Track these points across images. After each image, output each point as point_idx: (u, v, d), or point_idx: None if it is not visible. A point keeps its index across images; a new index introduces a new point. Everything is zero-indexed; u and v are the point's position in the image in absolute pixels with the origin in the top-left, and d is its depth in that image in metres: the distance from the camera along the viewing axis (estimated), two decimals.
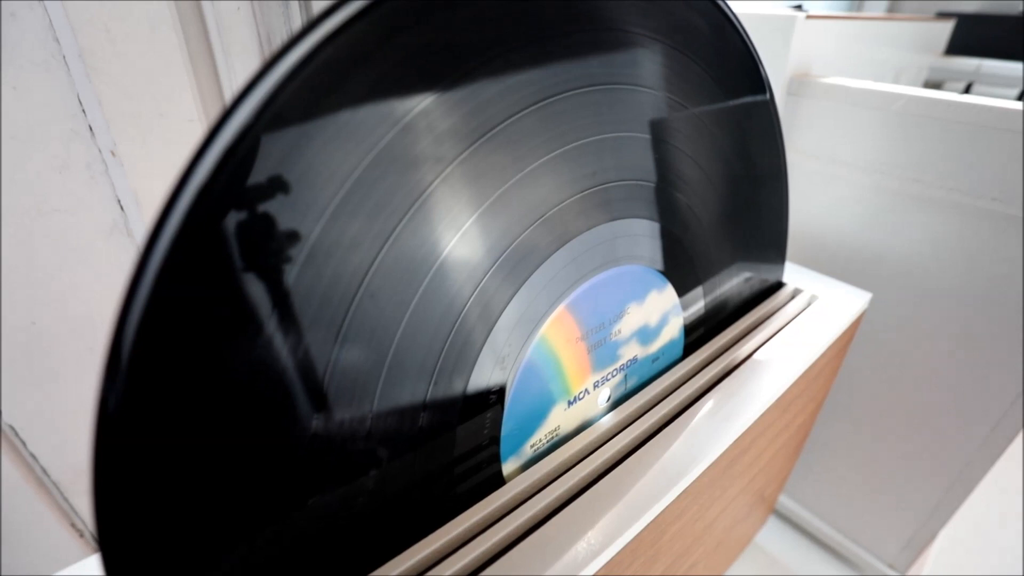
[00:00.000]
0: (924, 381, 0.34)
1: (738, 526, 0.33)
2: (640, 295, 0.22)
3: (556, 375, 0.20)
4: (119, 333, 0.11)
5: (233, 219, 0.12)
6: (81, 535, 0.32)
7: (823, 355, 0.28)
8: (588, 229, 0.19)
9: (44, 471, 0.29)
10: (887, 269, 0.33)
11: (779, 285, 0.31)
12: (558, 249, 0.18)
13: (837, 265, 0.35)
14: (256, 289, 0.13)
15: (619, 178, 0.20)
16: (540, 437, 0.20)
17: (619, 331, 0.22)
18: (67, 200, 0.25)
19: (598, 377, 0.22)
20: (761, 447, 0.27)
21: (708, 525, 0.26)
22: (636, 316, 0.22)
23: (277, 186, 0.13)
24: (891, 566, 0.40)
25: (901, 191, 0.31)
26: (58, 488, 0.30)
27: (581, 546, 0.17)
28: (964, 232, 0.29)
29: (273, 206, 0.13)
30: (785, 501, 0.44)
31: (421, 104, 0.14)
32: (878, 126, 0.31)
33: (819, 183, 0.34)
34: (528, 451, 0.20)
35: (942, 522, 0.36)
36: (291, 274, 0.13)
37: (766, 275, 0.30)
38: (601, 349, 0.21)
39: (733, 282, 0.28)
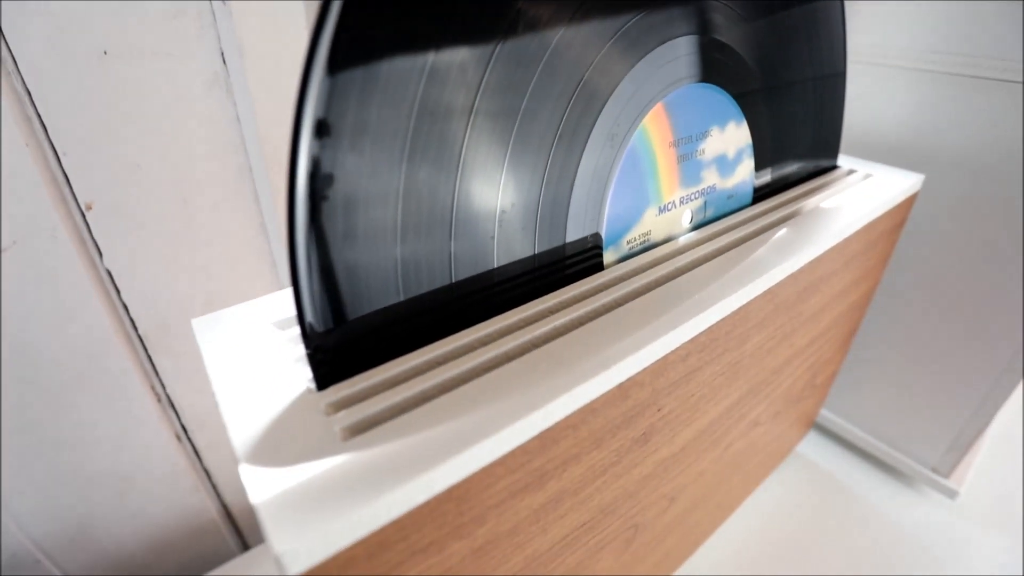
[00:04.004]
0: (973, 269, 0.35)
1: (793, 408, 0.34)
2: (721, 121, 0.24)
3: (651, 174, 0.21)
4: None
5: None
6: (159, 400, 0.33)
7: (880, 220, 0.29)
8: (686, 34, 0.21)
9: (133, 323, 0.31)
10: (941, 157, 0.34)
11: (834, 167, 0.33)
12: (660, 44, 0.20)
13: (889, 157, 0.36)
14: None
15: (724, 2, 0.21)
16: (635, 236, 0.22)
17: (703, 151, 0.23)
18: (177, 46, 0.27)
19: (684, 193, 0.23)
20: (825, 299, 0.28)
21: (777, 370, 0.27)
22: (717, 141, 0.24)
23: None
24: (935, 470, 0.40)
25: (956, 75, 0.32)
26: (143, 344, 0.31)
27: (675, 312, 0.18)
28: (1019, 111, 0.31)
29: None
30: (826, 414, 0.45)
31: None
32: (932, 14, 0.32)
33: (870, 80, 0.36)
34: (624, 247, 0.22)
35: (987, 419, 0.37)
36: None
37: (822, 164, 0.32)
38: (688, 163, 0.23)
39: (794, 166, 0.29)
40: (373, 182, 0.15)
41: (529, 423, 0.14)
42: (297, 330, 0.17)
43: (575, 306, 0.18)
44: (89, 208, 0.27)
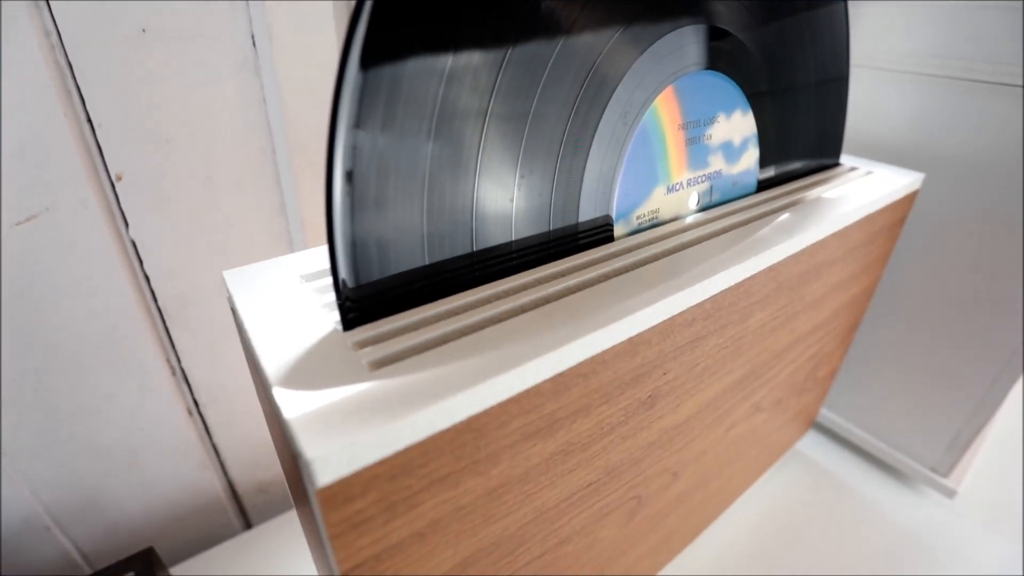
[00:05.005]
0: (972, 270, 0.36)
1: (795, 398, 0.35)
2: (728, 108, 0.25)
3: (661, 154, 0.22)
4: None
5: None
6: (173, 373, 0.34)
7: (881, 214, 0.30)
8: (697, 23, 0.22)
9: (153, 295, 0.32)
10: (942, 159, 0.35)
11: (837, 164, 0.34)
12: (671, 31, 0.21)
13: (890, 160, 0.37)
14: None
15: None
16: (644, 212, 0.23)
17: (710, 136, 0.24)
18: (210, 28, 0.28)
19: (691, 176, 0.24)
20: (826, 287, 0.29)
21: (780, 354, 0.28)
22: (723, 128, 0.25)
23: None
24: (933, 469, 0.41)
25: (957, 79, 0.33)
26: (162, 317, 0.32)
27: (683, 278, 0.19)
28: (1019, 115, 0.32)
29: None
30: (826, 413, 0.46)
31: None
32: (933, 19, 0.33)
33: (871, 84, 0.37)
34: (634, 221, 0.23)
35: (986, 418, 0.38)
36: None
37: (825, 163, 0.33)
38: (695, 147, 0.24)
39: (797, 164, 0.30)
40: (401, 169, 0.16)
41: (544, 363, 0.15)
42: (322, 281, 0.18)
43: (587, 270, 0.19)
44: (119, 179, 0.28)
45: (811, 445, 0.45)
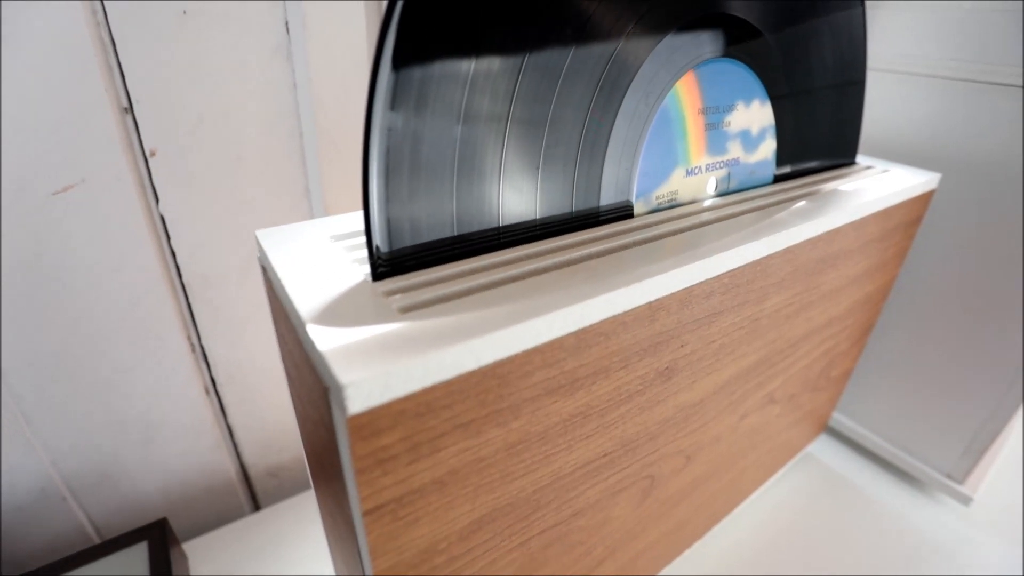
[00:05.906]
0: (987, 274, 0.36)
1: (808, 396, 0.35)
2: (747, 98, 0.25)
3: (681, 137, 0.23)
4: None
5: None
6: (193, 350, 0.35)
7: (897, 210, 0.30)
8: (719, 13, 0.23)
9: (178, 271, 0.32)
10: (957, 161, 0.35)
11: (852, 163, 0.34)
12: (695, 17, 0.22)
13: (906, 162, 0.38)
14: None
15: None
16: (663, 192, 0.23)
17: (728, 123, 0.25)
18: (247, 13, 0.29)
19: (710, 160, 0.25)
20: (841, 279, 0.29)
21: (795, 343, 0.28)
22: (742, 116, 0.25)
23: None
24: (949, 476, 0.40)
25: (972, 81, 0.34)
26: (185, 293, 0.33)
27: (702, 249, 0.20)
28: None
29: None
30: (840, 418, 0.45)
31: None
32: (947, 24, 0.34)
33: (888, 86, 0.38)
34: (654, 201, 0.23)
35: (1001, 424, 0.37)
36: None
37: (841, 162, 0.33)
38: (714, 132, 0.24)
39: (813, 163, 0.31)
40: (432, 151, 0.17)
41: (567, 315, 0.15)
42: (352, 241, 0.19)
43: (608, 240, 0.20)
44: (153, 154, 0.29)
45: (824, 449, 0.45)
